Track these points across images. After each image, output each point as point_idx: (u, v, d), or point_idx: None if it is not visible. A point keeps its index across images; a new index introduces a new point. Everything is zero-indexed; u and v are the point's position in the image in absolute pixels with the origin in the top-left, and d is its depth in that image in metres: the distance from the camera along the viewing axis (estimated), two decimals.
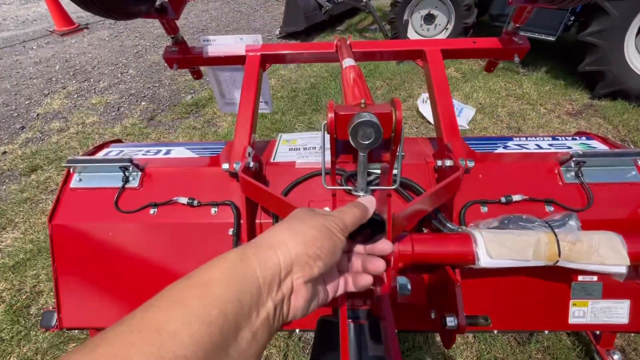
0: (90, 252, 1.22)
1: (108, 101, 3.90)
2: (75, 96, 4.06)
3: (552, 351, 1.55)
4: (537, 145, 1.37)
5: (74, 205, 1.23)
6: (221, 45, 1.44)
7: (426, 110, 3.05)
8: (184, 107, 3.66)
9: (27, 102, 4.00)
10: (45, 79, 4.50)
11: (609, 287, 1.14)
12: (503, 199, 1.14)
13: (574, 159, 1.15)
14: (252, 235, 1.16)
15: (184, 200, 1.19)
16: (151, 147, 1.44)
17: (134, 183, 1.24)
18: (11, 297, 1.91)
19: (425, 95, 3.12)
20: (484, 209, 1.15)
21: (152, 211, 1.20)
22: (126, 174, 1.24)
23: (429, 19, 3.96)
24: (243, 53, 1.44)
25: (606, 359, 1.39)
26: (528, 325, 1.18)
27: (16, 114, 3.78)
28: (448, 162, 1.07)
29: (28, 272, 2.04)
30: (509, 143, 1.38)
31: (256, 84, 1.37)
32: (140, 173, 1.25)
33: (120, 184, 1.24)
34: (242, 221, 1.16)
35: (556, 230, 0.94)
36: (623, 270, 0.89)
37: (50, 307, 1.29)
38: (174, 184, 1.24)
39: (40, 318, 1.45)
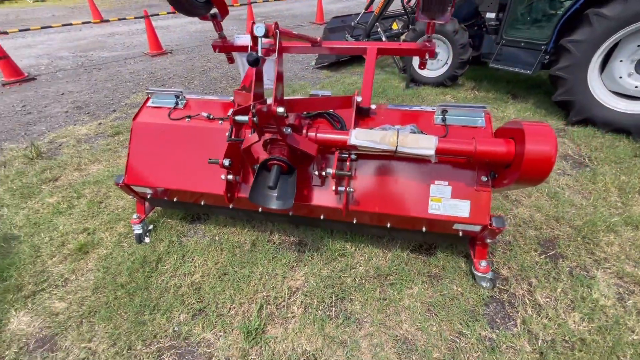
0: (151, 140, 2.10)
1: None
2: None
3: (446, 269, 2.04)
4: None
5: (148, 114, 2.15)
6: (244, 39, 2.37)
7: None
8: None
9: (120, 96, 5.42)
10: (134, 83, 6.00)
11: (456, 190, 1.74)
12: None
13: (439, 106, 1.81)
14: (237, 136, 1.96)
15: (205, 114, 2.04)
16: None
17: (180, 105, 2.14)
18: (91, 196, 2.86)
19: None
20: None
21: (187, 120, 2.06)
22: (177, 100, 2.13)
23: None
24: None
25: (476, 266, 1.88)
26: (402, 211, 1.77)
27: (111, 102, 5.16)
28: (359, 99, 1.81)
29: (103, 186, 3.00)
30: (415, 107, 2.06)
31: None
32: (185, 100, 2.14)
33: (173, 105, 2.13)
34: (234, 128, 1.96)
35: (399, 131, 1.61)
36: (431, 152, 1.52)
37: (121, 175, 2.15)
38: (202, 108, 2.10)
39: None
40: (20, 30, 9.77)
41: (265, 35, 1.34)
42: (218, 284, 1.99)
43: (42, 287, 2.01)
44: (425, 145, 1.54)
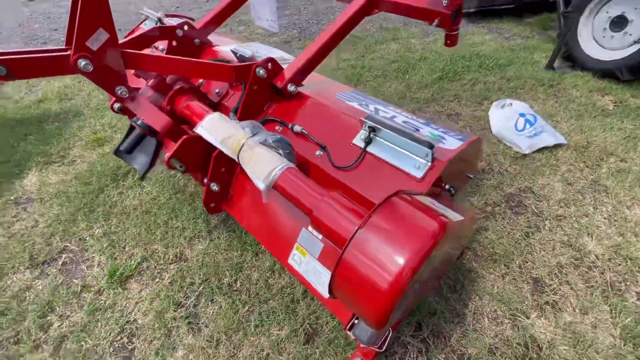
0: None
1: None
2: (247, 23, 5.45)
3: (335, 332, 1.49)
4: (406, 121, 1.26)
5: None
6: None
7: (496, 116, 2.52)
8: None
9: None
10: None
11: (326, 253, 1.15)
12: (290, 125, 1.26)
13: (367, 121, 1.11)
14: None
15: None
16: None
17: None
18: None
19: (508, 101, 2.54)
20: (278, 129, 1.30)
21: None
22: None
23: (620, 23, 2.84)
24: None
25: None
26: (266, 241, 1.32)
27: None
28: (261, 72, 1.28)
29: None
30: (383, 107, 1.33)
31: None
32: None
33: None
34: None
35: (254, 138, 1.08)
36: (261, 185, 0.98)
37: None
38: None
39: None
40: None
41: None
42: (138, 218, 2.07)
43: (57, 160, 2.57)
44: (258, 171, 0.97)
